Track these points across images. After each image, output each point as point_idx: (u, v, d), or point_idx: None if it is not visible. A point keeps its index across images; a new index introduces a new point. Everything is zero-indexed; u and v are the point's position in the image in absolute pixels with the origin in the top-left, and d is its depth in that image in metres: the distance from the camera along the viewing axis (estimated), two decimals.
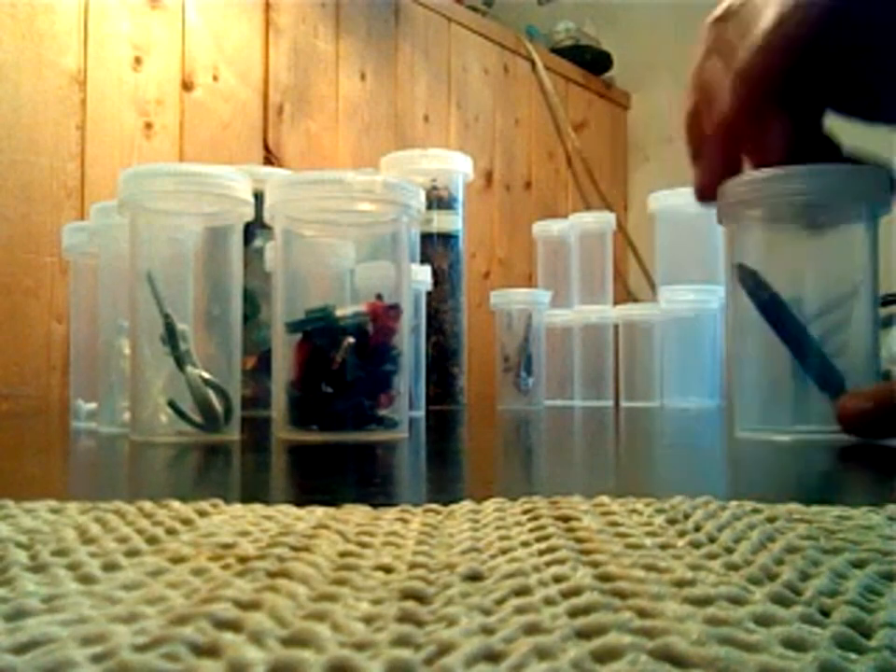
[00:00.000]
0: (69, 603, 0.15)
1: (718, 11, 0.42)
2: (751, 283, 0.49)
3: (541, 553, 0.19)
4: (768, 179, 0.44)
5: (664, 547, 0.19)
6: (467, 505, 0.25)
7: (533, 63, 1.86)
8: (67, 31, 1.09)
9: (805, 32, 0.37)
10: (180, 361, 0.52)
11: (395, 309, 0.55)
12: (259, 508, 0.24)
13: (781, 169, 0.44)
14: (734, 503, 0.24)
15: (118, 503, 0.24)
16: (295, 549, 0.19)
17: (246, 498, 0.26)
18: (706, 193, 0.45)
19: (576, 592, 0.15)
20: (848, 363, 0.49)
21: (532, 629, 0.13)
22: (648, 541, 0.20)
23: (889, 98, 0.39)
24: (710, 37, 0.42)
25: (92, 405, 0.65)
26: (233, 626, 0.13)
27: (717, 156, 0.42)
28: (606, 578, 0.16)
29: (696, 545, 0.20)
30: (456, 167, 1.08)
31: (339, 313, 0.55)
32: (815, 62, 0.38)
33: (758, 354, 0.52)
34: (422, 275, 0.83)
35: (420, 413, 0.82)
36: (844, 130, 0.44)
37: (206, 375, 0.53)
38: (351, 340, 0.54)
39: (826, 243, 0.39)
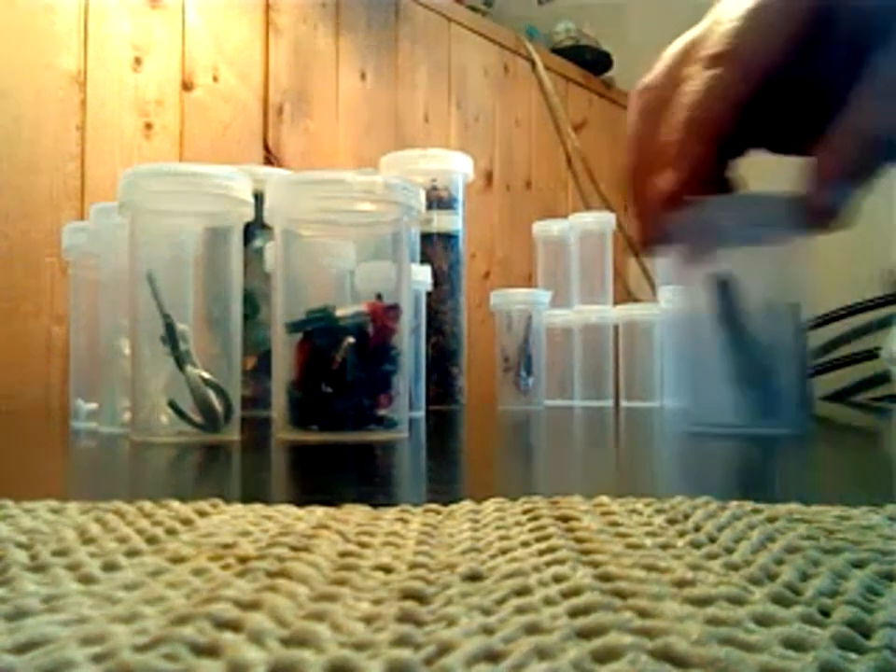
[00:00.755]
0: (69, 603, 0.15)
1: (645, 80, 0.41)
2: (723, 292, 0.50)
3: (541, 553, 0.19)
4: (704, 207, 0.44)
5: (664, 547, 0.19)
6: (467, 505, 0.25)
7: (533, 63, 1.86)
8: (67, 31, 1.09)
9: (762, 63, 0.36)
10: (180, 361, 0.52)
11: (395, 309, 0.55)
12: (259, 508, 0.24)
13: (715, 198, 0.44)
14: (734, 503, 0.24)
15: (118, 503, 0.24)
16: (295, 549, 0.19)
17: (246, 498, 0.26)
18: (649, 247, 0.43)
19: (576, 592, 0.15)
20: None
21: (532, 629, 0.13)
22: (648, 541, 0.20)
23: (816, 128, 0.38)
24: (640, 102, 0.41)
25: (92, 405, 0.65)
26: (233, 626, 0.13)
27: (695, 152, 0.40)
28: (606, 578, 0.16)
29: (696, 545, 0.20)
30: (456, 167, 1.07)
31: (339, 313, 0.55)
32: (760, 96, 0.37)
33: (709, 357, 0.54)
34: (422, 275, 0.83)
35: (420, 414, 0.82)
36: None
37: (206, 375, 0.53)
38: (351, 340, 0.54)
39: (764, 260, 0.41)
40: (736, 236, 0.47)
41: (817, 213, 0.36)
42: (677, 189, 0.38)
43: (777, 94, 0.37)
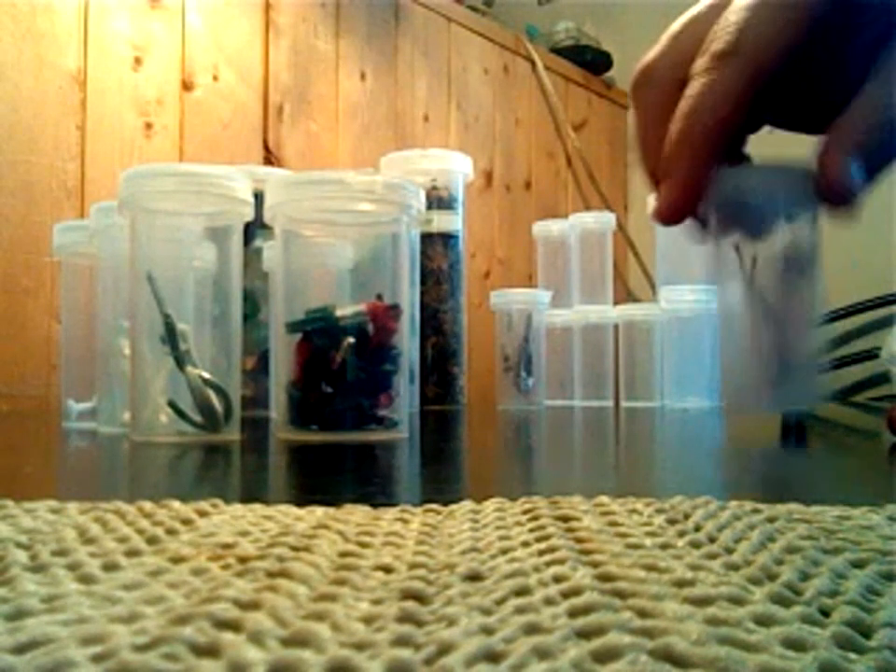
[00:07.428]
0: (69, 603, 0.15)
1: (644, 63, 0.39)
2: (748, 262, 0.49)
3: (541, 553, 0.19)
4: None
5: (664, 547, 0.19)
6: (467, 505, 0.25)
7: (533, 63, 1.86)
8: (67, 31, 1.09)
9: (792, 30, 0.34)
10: (180, 361, 0.52)
11: (395, 309, 0.55)
12: (258, 508, 0.24)
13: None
14: (734, 503, 0.24)
15: (118, 503, 0.24)
16: (295, 549, 0.19)
17: (246, 498, 0.26)
18: (676, 213, 0.37)
19: (576, 592, 0.15)
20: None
21: (532, 629, 0.13)
22: (648, 541, 0.20)
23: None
24: (643, 101, 0.39)
25: (85, 405, 0.64)
26: (233, 626, 0.13)
27: (696, 165, 0.38)
28: (606, 578, 0.16)
29: (696, 545, 0.20)
30: (456, 167, 1.07)
31: (339, 313, 0.55)
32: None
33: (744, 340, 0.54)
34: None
35: (413, 410, 0.82)
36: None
37: (206, 375, 0.52)
38: (351, 340, 0.54)
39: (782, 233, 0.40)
40: (756, 207, 0.46)
41: (830, 186, 0.35)
42: (688, 192, 0.36)
43: (794, 74, 0.36)
